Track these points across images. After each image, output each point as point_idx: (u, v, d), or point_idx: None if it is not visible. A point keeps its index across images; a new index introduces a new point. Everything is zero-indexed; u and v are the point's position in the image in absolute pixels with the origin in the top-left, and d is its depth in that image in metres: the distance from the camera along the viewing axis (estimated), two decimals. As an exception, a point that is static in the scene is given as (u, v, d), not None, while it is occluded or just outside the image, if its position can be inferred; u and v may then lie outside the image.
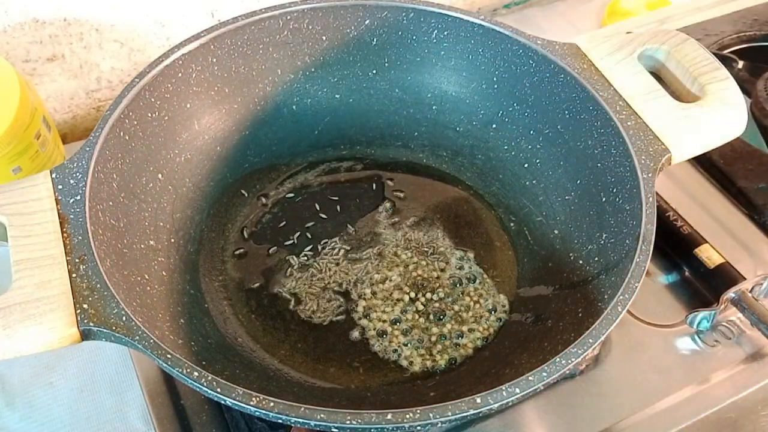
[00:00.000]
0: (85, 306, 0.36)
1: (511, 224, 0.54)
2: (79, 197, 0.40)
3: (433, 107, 0.57)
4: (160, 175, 0.48)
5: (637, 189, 0.42)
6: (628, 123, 0.45)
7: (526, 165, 0.53)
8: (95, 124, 0.43)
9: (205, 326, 0.45)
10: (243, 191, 0.55)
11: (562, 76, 0.49)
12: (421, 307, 0.49)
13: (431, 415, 0.33)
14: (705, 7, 0.76)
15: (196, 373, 0.33)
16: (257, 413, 0.33)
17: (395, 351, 0.47)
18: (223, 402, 0.33)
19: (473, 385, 0.44)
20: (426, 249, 0.52)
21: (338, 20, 0.53)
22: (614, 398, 0.47)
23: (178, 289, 0.45)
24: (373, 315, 0.49)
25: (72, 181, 0.40)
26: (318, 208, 0.55)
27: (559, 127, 0.51)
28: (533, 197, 0.53)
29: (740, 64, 0.67)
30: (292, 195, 0.56)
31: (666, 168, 0.44)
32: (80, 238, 0.38)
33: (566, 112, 0.50)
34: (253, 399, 0.32)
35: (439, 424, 0.33)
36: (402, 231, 0.53)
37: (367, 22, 0.53)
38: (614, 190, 0.45)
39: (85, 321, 0.35)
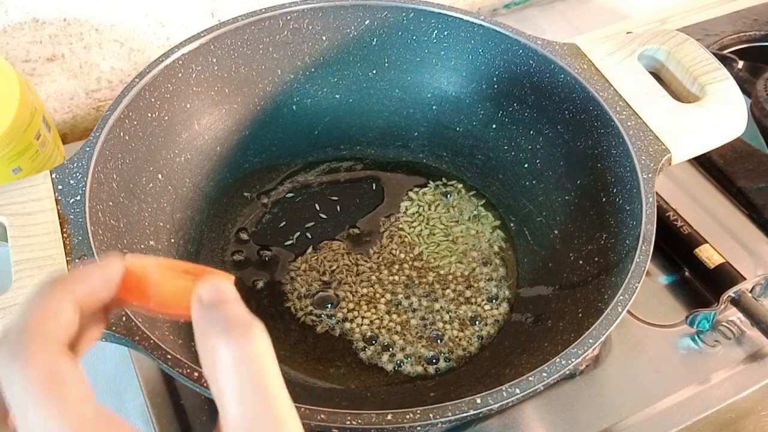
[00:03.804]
0: (85, 306, 0.36)
1: (511, 224, 0.54)
2: (79, 197, 0.40)
3: (433, 107, 0.57)
4: (160, 175, 0.48)
5: (637, 189, 0.42)
6: (629, 123, 0.45)
7: (526, 165, 0.53)
8: (95, 124, 0.43)
9: (205, 326, 0.45)
10: (243, 191, 0.55)
11: (562, 76, 0.49)
12: (421, 308, 0.49)
13: (431, 415, 0.33)
14: (705, 7, 0.76)
15: (196, 374, 0.33)
16: (257, 413, 0.32)
17: (395, 351, 0.47)
18: (223, 402, 0.33)
19: (473, 385, 0.44)
20: (426, 250, 0.52)
21: (338, 20, 0.53)
22: (614, 398, 0.47)
23: (178, 290, 0.45)
24: (373, 315, 0.48)
25: (72, 181, 0.40)
26: (318, 208, 0.55)
27: (559, 127, 0.51)
28: (533, 197, 0.53)
29: (740, 64, 0.67)
30: (292, 195, 0.56)
31: (666, 168, 0.44)
32: (80, 238, 0.38)
33: (566, 112, 0.50)
34: (253, 399, 0.32)
35: (439, 425, 0.33)
36: (402, 231, 0.53)
37: (367, 22, 0.53)
38: (614, 190, 0.45)
39: (85, 321, 0.35)
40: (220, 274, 0.26)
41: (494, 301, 0.50)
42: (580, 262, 0.47)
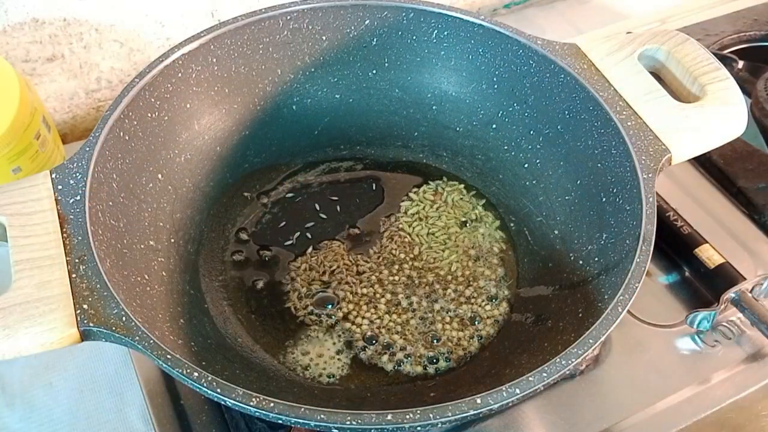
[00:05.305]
0: (85, 306, 0.36)
1: (511, 224, 0.54)
2: (78, 197, 0.40)
3: (433, 107, 0.57)
4: (159, 176, 0.48)
5: (637, 189, 0.42)
6: (629, 123, 0.45)
7: (526, 165, 0.53)
8: (95, 124, 0.43)
9: (205, 326, 0.45)
10: (243, 191, 0.55)
11: (562, 76, 0.49)
12: (421, 308, 0.49)
13: (431, 415, 0.33)
14: (705, 7, 0.76)
15: (196, 374, 0.33)
16: (257, 413, 0.33)
17: (395, 351, 0.47)
18: (223, 402, 0.33)
19: (473, 385, 0.44)
20: (426, 250, 0.52)
21: (338, 20, 0.53)
22: (614, 398, 0.47)
23: (178, 290, 0.45)
24: (373, 315, 0.48)
25: (72, 181, 0.40)
26: (318, 208, 0.55)
27: (559, 127, 0.51)
28: (533, 197, 0.53)
29: (740, 64, 0.67)
30: (292, 195, 0.56)
31: (666, 168, 0.44)
32: (80, 238, 0.38)
33: (566, 112, 0.50)
34: (253, 399, 0.32)
35: (439, 425, 0.33)
36: (402, 231, 0.53)
37: (367, 22, 0.53)
38: (614, 191, 0.45)
39: (85, 321, 0.35)
40: None
41: (494, 301, 0.50)
42: (580, 262, 0.47)
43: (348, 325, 0.48)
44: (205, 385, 0.33)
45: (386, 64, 0.55)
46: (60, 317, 0.35)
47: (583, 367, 0.48)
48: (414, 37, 0.54)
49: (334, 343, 0.47)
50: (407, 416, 0.32)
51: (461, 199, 0.56)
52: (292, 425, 0.33)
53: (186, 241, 0.49)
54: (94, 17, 0.61)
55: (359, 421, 0.32)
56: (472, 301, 0.50)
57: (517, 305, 0.49)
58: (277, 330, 0.48)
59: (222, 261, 0.51)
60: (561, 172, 0.51)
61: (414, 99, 0.57)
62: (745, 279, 0.50)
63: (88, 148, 0.42)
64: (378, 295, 0.50)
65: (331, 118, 0.57)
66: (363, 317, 0.48)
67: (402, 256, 0.52)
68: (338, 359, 0.46)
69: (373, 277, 0.51)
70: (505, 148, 0.54)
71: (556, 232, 0.50)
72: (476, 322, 0.48)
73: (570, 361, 0.35)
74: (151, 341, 0.35)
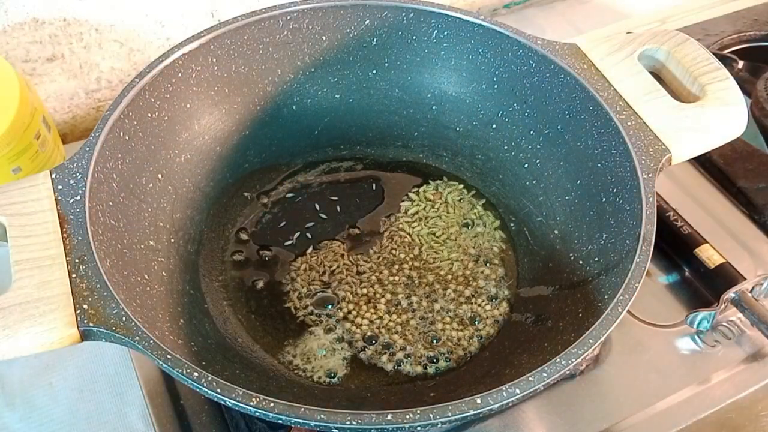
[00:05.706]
0: (85, 306, 0.36)
1: (511, 224, 0.54)
2: (78, 197, 0.40)
3: (433, 107, 0.57)
4: (159, 175, 0.48)
5: (637, 189, 0.42)
6: (629, 123, 0.45)
7: (526, 165, 0.53)
8: (95, 124, 0.43)
9: (205, 326, 0.45)
10: (243, 191, 0.55)
11: (562, 76, 0.49)
12: (421, 308, 0.49)
13: (431, 415, 0.33)
14: (705, 7, 0.76)
15: (196, 374, 0.33)
16: (257, 413, 0.33)
17: (395, 351, 0.47)
18: (223, 402, 0.33)
19: (473, 385, 0.44)
20: (426, 250, 0.52)
21: (338, 20, 0.53)
22: (614, 398, 0.47)
23: (178, 290, 0.45)
24: (373, 315, 0.48)
25: (72, 181, 0.40)
26: (318, 208, 0.55)
27: (559, 127, 0.51)
28: (533, 197, 0.53)
29: (740, 64, 0.67)
30: (292, 195, 0.56)
31: (666, 168, 0.44)
32: (80, 238, 0.38)
33: (566, 112, 0.50)
34: (253, 399, 0.32)
35: (439, 425, 0.33)
36: (402, 231, 0.53)
37: (367, 22, 0.53)
38: (614, 191, 0.45)
39: (85, 321, 0.35)
40: None
41: (494, 301, 0.50)
42: (580, 262, 0.47)
43: (348, 325, 0.48)
44: (205, 385, 0.33)
45: (386, 64, 0.55)
46: (60, 317, 0.35)
47: (583, 367, 0.48)
48: (414, 37, 0.54)
49: (333, 343, 0.47)
50: (407, 416, 0.32)
51: (461, 199, 0.56)
52: (292, 425, 0.33)
53: (186, 241, 0.49)
54: (94, 17, 0.61)
55: (359, 421, 0.32)
56: (472, 301, 0.50)
57: (517, 305, 0.49)
58: (277, 330, 0.48)
59: (222, 261, 0.51)
60: (561, 172, 0.51)
61: (414, 99, 0.57)
62: (745, 279, 0.50)
63: (88, 148, 0.42)
64: (378, 295, 0.50)
65: (331, 118, 0.57)
66: (363, 317, 0.48)
67: (402, 256, 0.52)
68: (338, 359, 0.46)
69: (373, 277, 0.51)
70: (505, 148, 0.54)
71: (556, 232, 0.50)
72: (476, 322, 0.48)
73: (570, 361, 0.35)
74: (151, 341, 0.35)
